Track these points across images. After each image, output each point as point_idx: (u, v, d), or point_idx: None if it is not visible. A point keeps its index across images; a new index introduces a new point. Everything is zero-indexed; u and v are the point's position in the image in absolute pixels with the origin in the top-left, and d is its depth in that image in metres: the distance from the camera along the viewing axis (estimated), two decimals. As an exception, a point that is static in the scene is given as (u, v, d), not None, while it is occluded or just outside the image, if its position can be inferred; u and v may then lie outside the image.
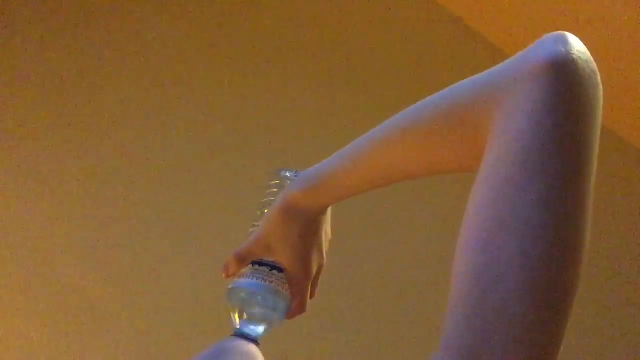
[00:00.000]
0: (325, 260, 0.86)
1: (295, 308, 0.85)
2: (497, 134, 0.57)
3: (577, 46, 0.57)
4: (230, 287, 0.85)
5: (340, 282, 2.13)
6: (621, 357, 2.46)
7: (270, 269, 0.83)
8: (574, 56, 0.56)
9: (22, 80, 2.00)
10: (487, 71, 0.62)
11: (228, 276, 0.85)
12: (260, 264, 0.84)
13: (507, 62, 0.60)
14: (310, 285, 0.85)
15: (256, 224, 0.89)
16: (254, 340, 0.82)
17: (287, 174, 0.91)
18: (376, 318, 2.17)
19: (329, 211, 0.85)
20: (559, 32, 0.59)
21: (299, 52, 2.36)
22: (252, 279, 0.83)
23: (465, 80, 0.64)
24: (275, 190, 0.91)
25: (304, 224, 0.81)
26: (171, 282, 1.98)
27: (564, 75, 0.55)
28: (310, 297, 0.88)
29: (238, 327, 0.83)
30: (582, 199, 0.54)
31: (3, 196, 1.90)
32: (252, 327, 0.83)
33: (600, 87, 0.58)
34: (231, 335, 0.82)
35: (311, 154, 2.18)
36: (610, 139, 2.74)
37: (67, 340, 1.85)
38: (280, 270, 0.83)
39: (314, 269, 0.84)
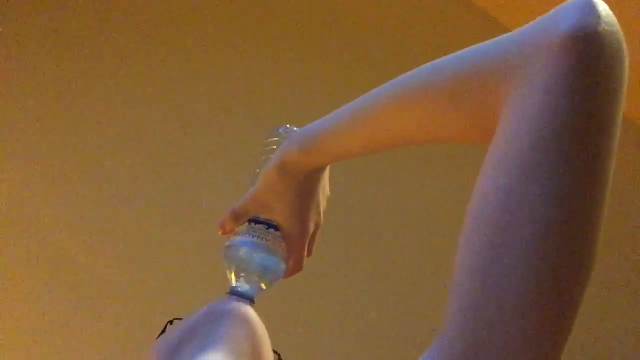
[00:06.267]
0: (322, 218, 0.85)
1: (293, 266, 0.85)
2: (510, 112, 0.52)
3: (604, 16, 0.50)
4: (227, 245, 0.84)
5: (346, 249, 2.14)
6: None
7: (267, 227, 0.82)
8: (600, 29, 0.49)
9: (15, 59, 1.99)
10: (505, 36, 0.57)
11: (224, 233, 0.84)
12: (257, 222, 0.83)
13: (524, 29, 0.55)
14: (307, 243, 0.84)
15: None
16: (250, 298, 0.81)
17: (285, 130, 0.90)
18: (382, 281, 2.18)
19: (327, 169, 0.84)
20: None
21: (295, 12, 2.33)
22: (249, 237, 0.82)
23: (480, 45, 0.59)
24: (274, 147, 0.90)
25: (301, 182, 0.80)
26: (174, 258, 1.99)
27: (587, 52, 0.49)
28: (308, 256, 0.87)
29: (234, 285, 0.83)
30: (598, 193, 0.49)
31: (7, 177, 1.90)
32: (248, 285, 0.82)
33: (627, 62, 0.51)
34: (227, 294, 0.82)
35: (309, 115, 2.17)
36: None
37: (71, 319, 1.86)
38: (276, 228, 0.83)
39: (311, 227, 0.83)
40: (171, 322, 0.77)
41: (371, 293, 2.17)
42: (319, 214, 0.84)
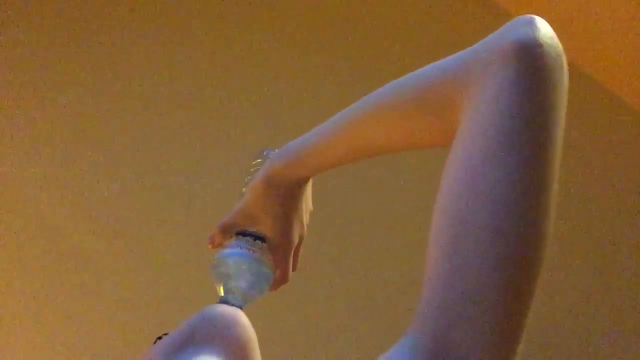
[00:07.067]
0: (305, 231, 0.90)
1: (279, 278, 0.89)
2: (468, 114, 0.61)
3: (544, 30, 0.60)
4: (215, 257, 0.88)
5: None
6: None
7: (254, 238, 0.87)
8: (541, 40, 0.59)
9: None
10: (460, 52, 0.66)
11: (214, 247, 0.88)
12: (244, 234, 0.87)
13: (478, 44, 0.64)
14: (292, 254, 0.89)
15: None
16: (239, 308, 0.85)
17: (269, 153, 0.95)
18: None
19: (310, 184, 0.89)
20: (528, 15, 0.62)
21: (292, 20, 2.35)
22: (236, 248, 0.86)
23: (440, 61, 0.68)
24: (260, 168, 0.95)
25: (285, 195, 0.85)
26: (166, 236, 2.02)
27: (530, 59, 0.59)
28: (293, 269, 0.91)
29: (222, 296, 0.86)
30: (547, 176, 0.58)
31: (5, 162, 1.94)
32: (236, 296, 0.86)
33: (566, 68, 0.61)
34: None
35: (304, 124, 2.21)
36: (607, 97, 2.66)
37: (61, 293, 1.89)
38: (263, 240, 0.87)
39: (296, 238, 0.88)
40: (160, 337, 0.81)
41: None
42: (303, 226, 0.89)
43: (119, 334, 1.91)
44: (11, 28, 2.06)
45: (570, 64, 0.62)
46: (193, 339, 0.74)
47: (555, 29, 0.62)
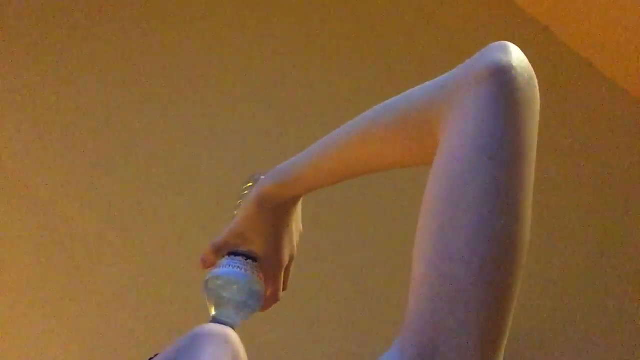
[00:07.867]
0: (295, 251, 0.92)
1: (270, 297, 0.91)
2: (448, 133, 0.65)
3: (516, 55, 0.66)
4: (207, 277, 0.90)
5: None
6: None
7: (245, 258, 0.89)
8: (513, 63, 0.64)
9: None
10: (440, 77, 0.71)
11: (206, 267, 0.90)
12: (236, 253, 0.89)
13: (457, 69, 0.69)
14: (282, 274, 0.91)
15: None
16: (230, 327, 0.86)
17: (259, 177, 0.98)
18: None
19: (300, 205, 0.92)
20: (502, 42, 0.67)
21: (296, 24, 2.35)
22: (228, 267, 0.88)
23: (422, 85, 0.72)
24: (250, 191, 0.97)
25: (277, 214, 0.88)
26: (167, 223, 2.04)
27: (503, 80, 0.63)
28: (283, 289, 0.93)
29: (214, 314, 0.88)
30: (522, 185, 0.62)
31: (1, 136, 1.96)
32: (228, 315, 0.87)
33: (537, 91, 0.66)
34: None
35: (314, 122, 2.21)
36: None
37: (65, 278, 1.91)
38: (254, 259, 0.89)
39: (286, 258, 0.90)
40: (152, 358, 0.82)
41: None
42: (293, 245, 0.91)
43: (111, 318, 1.92)
44: (19, 18, 2.10)
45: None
46: (184, 358, 0.75)
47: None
